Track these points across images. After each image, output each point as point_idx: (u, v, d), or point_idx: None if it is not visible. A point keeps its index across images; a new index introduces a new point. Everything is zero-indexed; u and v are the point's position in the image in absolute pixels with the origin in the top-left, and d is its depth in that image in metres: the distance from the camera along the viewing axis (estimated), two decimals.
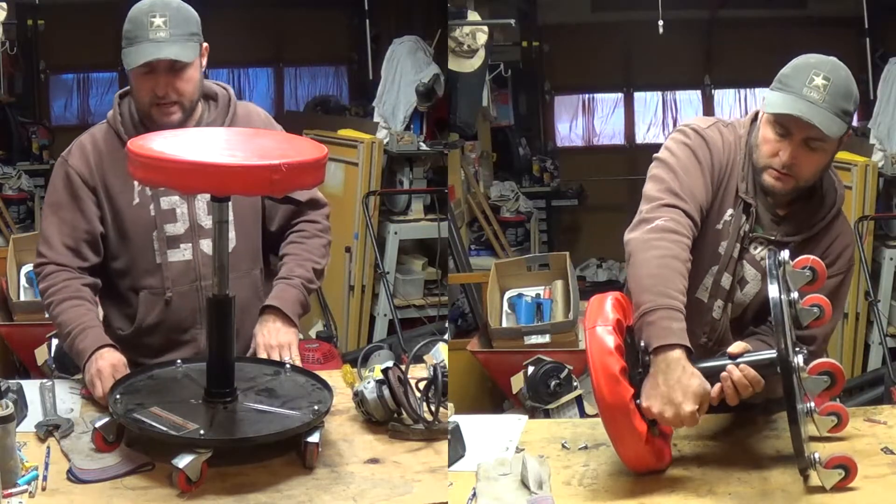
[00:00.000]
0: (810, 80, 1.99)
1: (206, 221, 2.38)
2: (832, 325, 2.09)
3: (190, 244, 2.39)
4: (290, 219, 2.54)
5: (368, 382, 2.16)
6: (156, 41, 2.25)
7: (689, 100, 9.03)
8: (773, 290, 1.83)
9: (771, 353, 1.86)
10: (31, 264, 4.42)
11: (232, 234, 2.40)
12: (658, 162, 2.12)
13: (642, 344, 1.92)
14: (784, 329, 1.79)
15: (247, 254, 2.47)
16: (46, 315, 2.38)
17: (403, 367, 2.16)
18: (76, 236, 2.35)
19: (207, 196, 2.35)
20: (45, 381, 2.28)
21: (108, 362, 2.19)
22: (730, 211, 2.14)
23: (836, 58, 2.08)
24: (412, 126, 5.73)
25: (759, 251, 2.15)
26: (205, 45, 2.38)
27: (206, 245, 2.38)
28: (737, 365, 1.90)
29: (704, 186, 2.09)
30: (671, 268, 1.94)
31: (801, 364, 1.82)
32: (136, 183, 2.36)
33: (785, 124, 2.03)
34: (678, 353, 1.85)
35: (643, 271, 1.95)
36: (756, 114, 2.17)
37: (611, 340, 1.85)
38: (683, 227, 2.00)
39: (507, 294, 4.61)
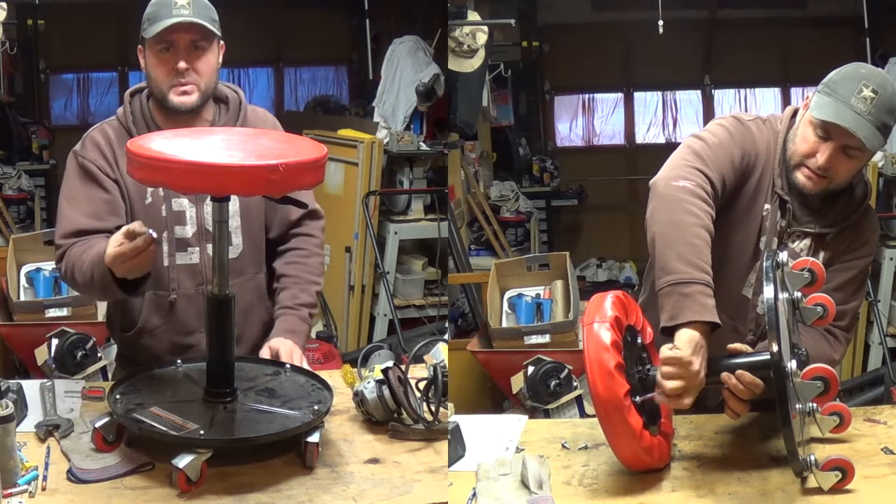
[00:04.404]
0: (859, 91, 2.01)
1: None
2: (859, 302, 2.23)
3: (197, 248, 2.39)
4: (288, 228, 2.53)
5: (368, 382, 2.16)
6: (180, 15, 2.26)
7: (689, 100, 9.03)
8: (769, 292, 1.83)
9: (766, 356, 1.86)
10: (32, 264, 4.52)
11: (239, 240, 2.40)
12: (693, 136, 2.14)
13: (665, 314, 1.90)
14: (778, 333, 1.78)
15: (253, 258, 2.47)
16: (81, 279, 2.22)
17: (403, 367, 2.16)
18: (97, 213, 2.29)
19: None
20: (45, 381, 2.28)
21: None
22: (766, 206, 2.17)
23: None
24: (412, 126, 5.74)
25: (797, 244, 2.18)
26: (221, 43, 2.38)
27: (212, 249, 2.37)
28: (733, 370, 1.90)
29: (732, 165, 2.11)
30: (703, 240, 1.95)
31: (795, 369, 1.82)
32: None
33: (827, 129, 2.06)
34: (707, 332, 1.87)
35: (677, 235, 1.94)
36: (794, 111, 2.20)
37: (607, 336, 1.85)
38: (709, 194, 2.02)
39: (507, 294, 4.60)
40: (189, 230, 2.38)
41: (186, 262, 2.39)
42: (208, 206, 2.38)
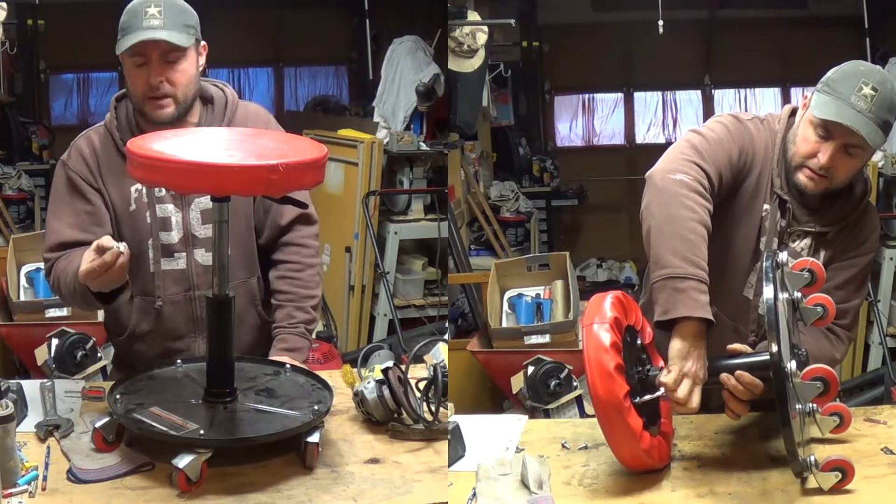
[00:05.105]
0: (859, 89, 2.01)
1: (200, 231, 2.37)
2: (861, 300, 2.23)
3: (184, 253, 2.38)
4: (279, 233, 2.49)
5: (368, 382, 2.16)
6: (149, 28, 2.23)
7: (689, 100, 9.03)
8: (768, 293, 1.82)
9: (765, 357, 1.85)
10: (31, 264, 4.52)
11: None
12: (691, 131, 2.14)
13: (658, 308, 1.92)
14: (778, 333, 1.78)
15: (242, 263, 2.44)
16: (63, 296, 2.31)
17: (403, 367, 2.16)
18: (81, 224, 2.31)
19: (201, 206, 2.36)
20: (45, 381, 2.29)
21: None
22: (766, 206, 2.16)
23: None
24: (412, 126, 5.73)
25: (798, 244, 2.18)
26: (203, 43, 2.37)
27: (200, 255, 2.38)
28: (732, 370, 1.90)
29: (729, 162, 2.10)
30: (700, 235, 1.94)
31: (795, 369, 1.82)
32: (132, 189, 2.35)
33: (828, 128, 2.05)
34: (703, 328, 1.88)
35: (673, 229, 1.94)
36: (793, 110, 2.19)
37: (607, 337, 1.85)
38: (706, 189, 2.01)
39: (507, 294, 4.60)
40: (175, 236, 2.37)
41: (173, 267, 2.38)
42: (193, 212, 2.37)
